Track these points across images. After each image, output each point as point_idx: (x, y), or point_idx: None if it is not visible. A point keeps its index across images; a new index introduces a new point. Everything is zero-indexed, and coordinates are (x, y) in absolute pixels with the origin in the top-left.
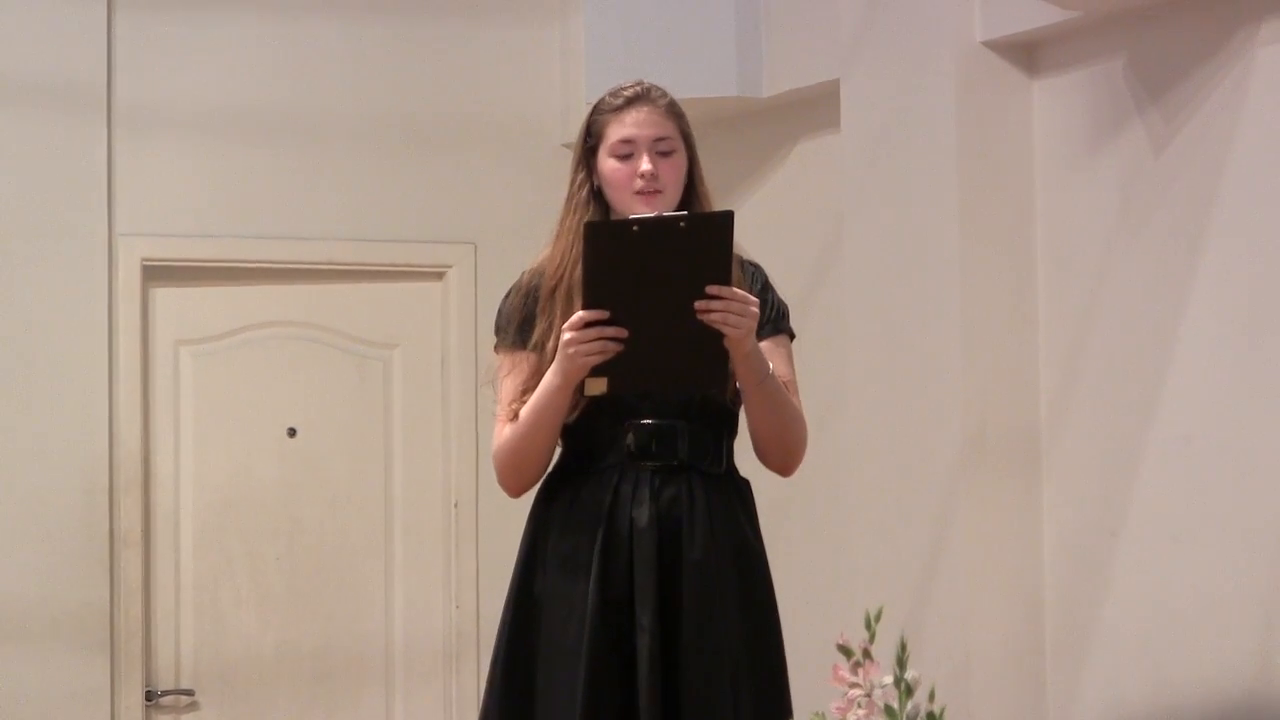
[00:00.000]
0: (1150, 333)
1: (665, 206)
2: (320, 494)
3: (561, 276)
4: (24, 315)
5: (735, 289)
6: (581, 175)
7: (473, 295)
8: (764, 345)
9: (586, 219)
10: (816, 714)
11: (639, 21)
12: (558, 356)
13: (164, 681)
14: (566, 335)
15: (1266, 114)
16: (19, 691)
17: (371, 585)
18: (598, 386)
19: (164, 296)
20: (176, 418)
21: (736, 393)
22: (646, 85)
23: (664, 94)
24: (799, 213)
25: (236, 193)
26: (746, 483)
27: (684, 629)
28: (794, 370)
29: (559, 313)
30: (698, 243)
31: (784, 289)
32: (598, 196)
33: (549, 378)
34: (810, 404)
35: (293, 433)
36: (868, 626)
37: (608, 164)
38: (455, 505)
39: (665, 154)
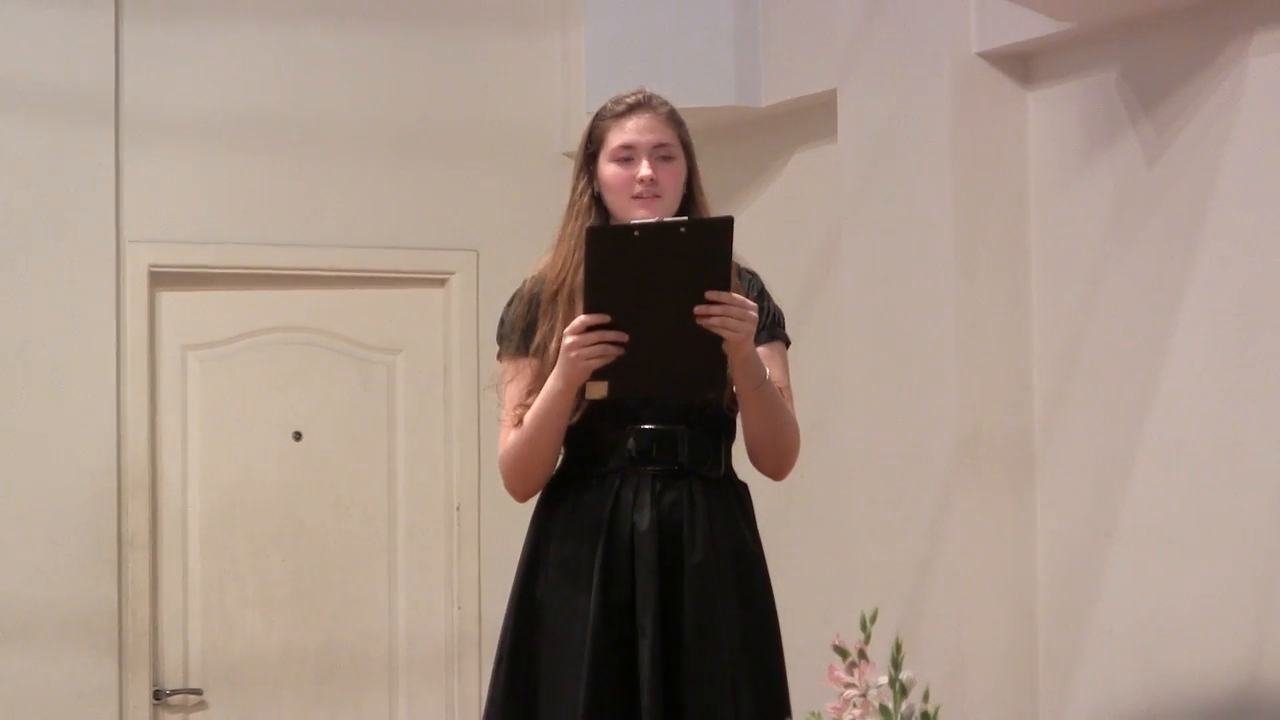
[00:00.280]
0: (1143, 339)
1: (664, 212)
2: (325, 497)
3: (563, 281)
4: (33, 320)
5: (734, 294)
6: (583, 181)
7: (475, 301)
8: (760, 351)
9: (588, 224)
10: (813, 714)
11: (639, 31)
12: (559, 360)
13: (171, 681)
14: (568, 339)
15: (1259, 124)
16: (29, 691)
17: (375, 587)
18: (598, 390)
19: (171, 302)
20: (183, 421)
21: (733, 398)
22: (648, 93)
23: (664, 102)
24: (796, 221)
25: (243, 200)
26: (745, 486)
27: (685, 631)
28: (789, 376)
29: (560, 317)
30: (698, 248)
31: (781, 296)
32: (599, 202)
33: (551, 382)
34: (807, 409)
35: (298, 436)
36: (863, 627)
37: (608, 169)
38: (457, 508)
39: (665, 160)
